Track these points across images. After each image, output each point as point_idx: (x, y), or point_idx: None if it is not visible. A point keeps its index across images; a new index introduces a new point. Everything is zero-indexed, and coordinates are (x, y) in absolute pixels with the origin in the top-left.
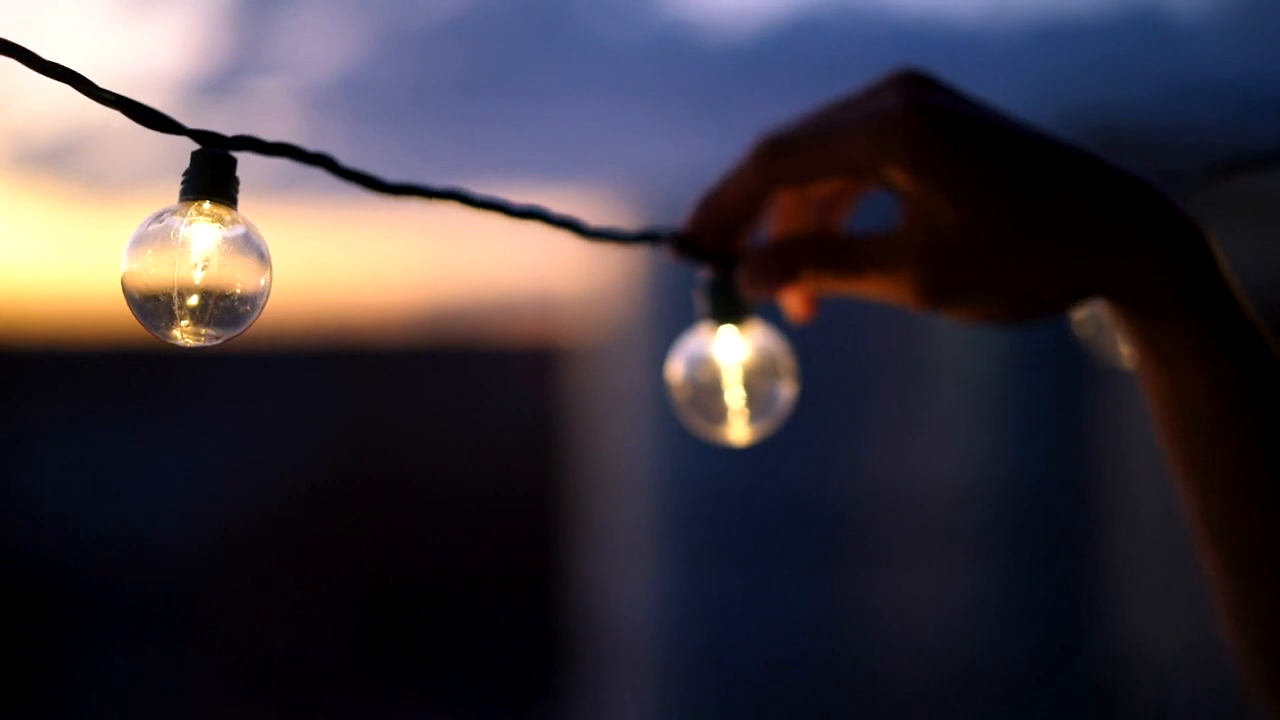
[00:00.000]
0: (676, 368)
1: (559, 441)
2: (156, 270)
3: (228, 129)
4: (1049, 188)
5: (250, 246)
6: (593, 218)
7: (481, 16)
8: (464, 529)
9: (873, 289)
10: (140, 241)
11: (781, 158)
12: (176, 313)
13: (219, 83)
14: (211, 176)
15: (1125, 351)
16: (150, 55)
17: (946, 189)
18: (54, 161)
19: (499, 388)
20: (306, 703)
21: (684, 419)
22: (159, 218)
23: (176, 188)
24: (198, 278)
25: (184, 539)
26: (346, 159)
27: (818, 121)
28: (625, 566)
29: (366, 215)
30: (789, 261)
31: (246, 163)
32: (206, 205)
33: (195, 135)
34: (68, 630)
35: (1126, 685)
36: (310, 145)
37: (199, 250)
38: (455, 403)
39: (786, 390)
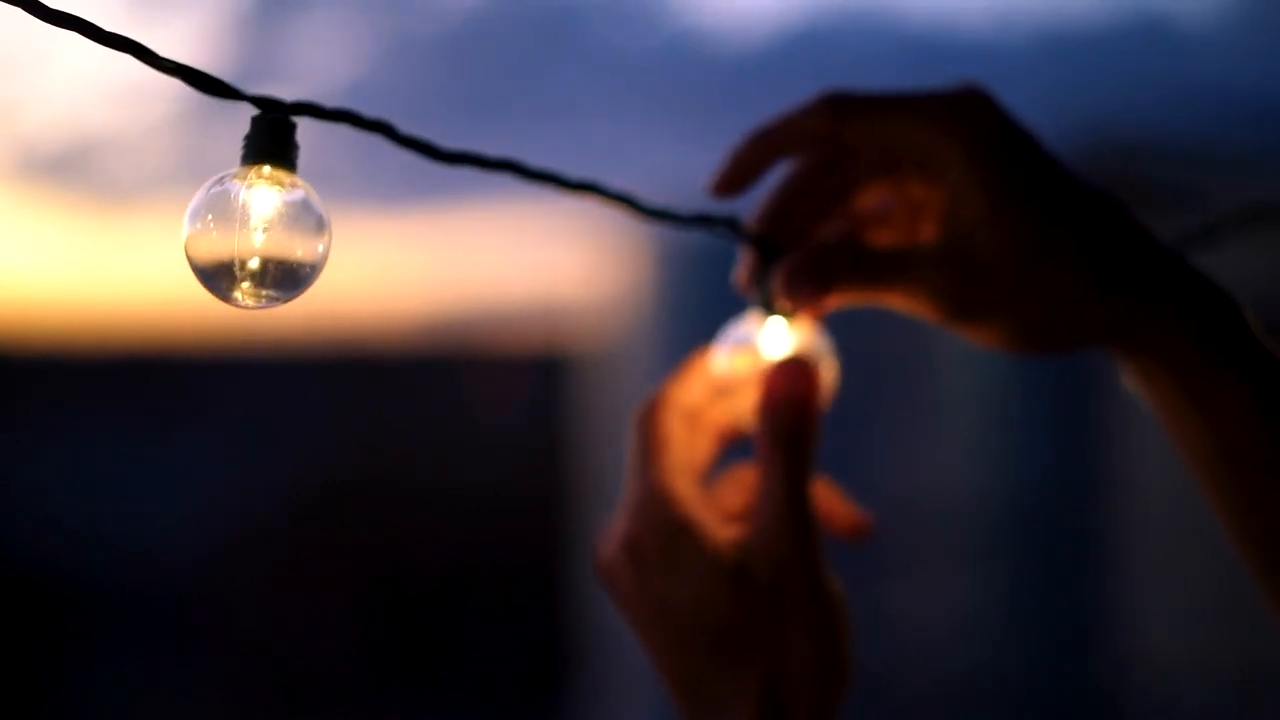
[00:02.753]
0: (721, 353)
1: (564, 449)
2: (217, 234)
3: (235, 135)
4: (1083, 228)
5: (310, 210)
6: (601, 225)
7: (490, 25)
8: (469, 536)
9: (897, 301)
10: (201, 206)
11: (844, 110)
12: (237, 275)
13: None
14: (271, 141)
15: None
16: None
17: (992, 188)
18: (62, 170)
19: (504, 395)
20: (312, 707)
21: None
22: (219, 181)
23: (182, 195)
24: (258, 241)
25: (190, 544)
26: (354, 165)
27: (886, 93)
28: None
29: (370, 223)
30: (824, 273)
31: None
32: (266, 169)
33: (255, 101)
34: (74, 634)
35: (1132, 691)
36: (315, 150)
37: (259, 214)
38: (460, 410)
39: (825, 392)
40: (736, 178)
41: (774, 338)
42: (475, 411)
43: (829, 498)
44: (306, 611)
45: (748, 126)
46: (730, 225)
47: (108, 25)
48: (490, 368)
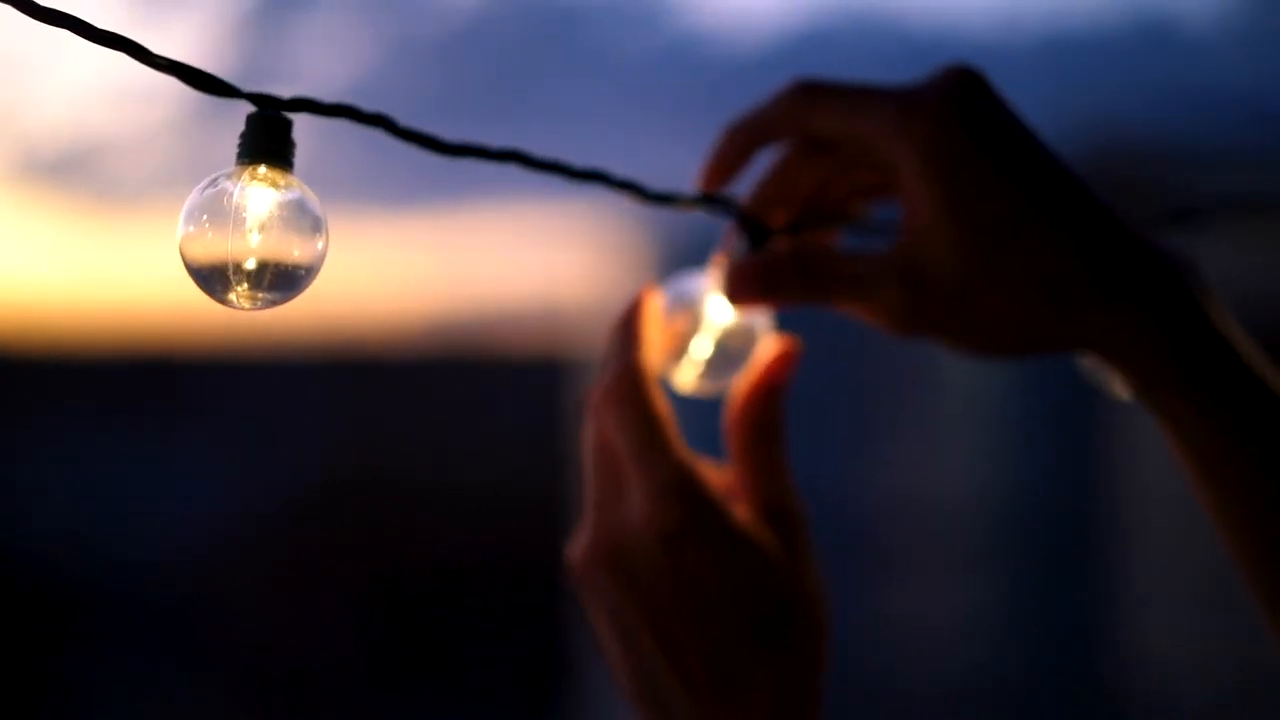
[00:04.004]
0: (662, 296)
1: (566, 452)
2: (212, 235)
3: (236, 137)
4: (1055, 232)
5: (306, 210)
6: (601, 229)
7: (490, 27)
8: (472, 538)
9: (850, 309)
10: (195, 207)
11: (811, 99)
12: (232, 278)
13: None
14: (266, 140)
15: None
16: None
17: (949, 193)
18: (64, 173)
19: (506, 398)
20: (313, 708)
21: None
22: (214, 182)
23: (184, 198)
24: (253, 242)
25: (192, 546)
26: (355, 168)
27: (859, 84)
28: None
29: (373, 226)
30: (768, 282)
31: None
32: (262, 169)
33: (251, 98)
34: (76, 636)
35: (1132, 691)
36: (318, 154)
37: (254, 214)
38: (463, 412)
39: (745, 367)
40: (719, 171)
41: (722, 305)
42: (478, 413)
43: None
44: (308, 613)
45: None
46: (730, 206)
47: (104, 25)
48: (492, 370)
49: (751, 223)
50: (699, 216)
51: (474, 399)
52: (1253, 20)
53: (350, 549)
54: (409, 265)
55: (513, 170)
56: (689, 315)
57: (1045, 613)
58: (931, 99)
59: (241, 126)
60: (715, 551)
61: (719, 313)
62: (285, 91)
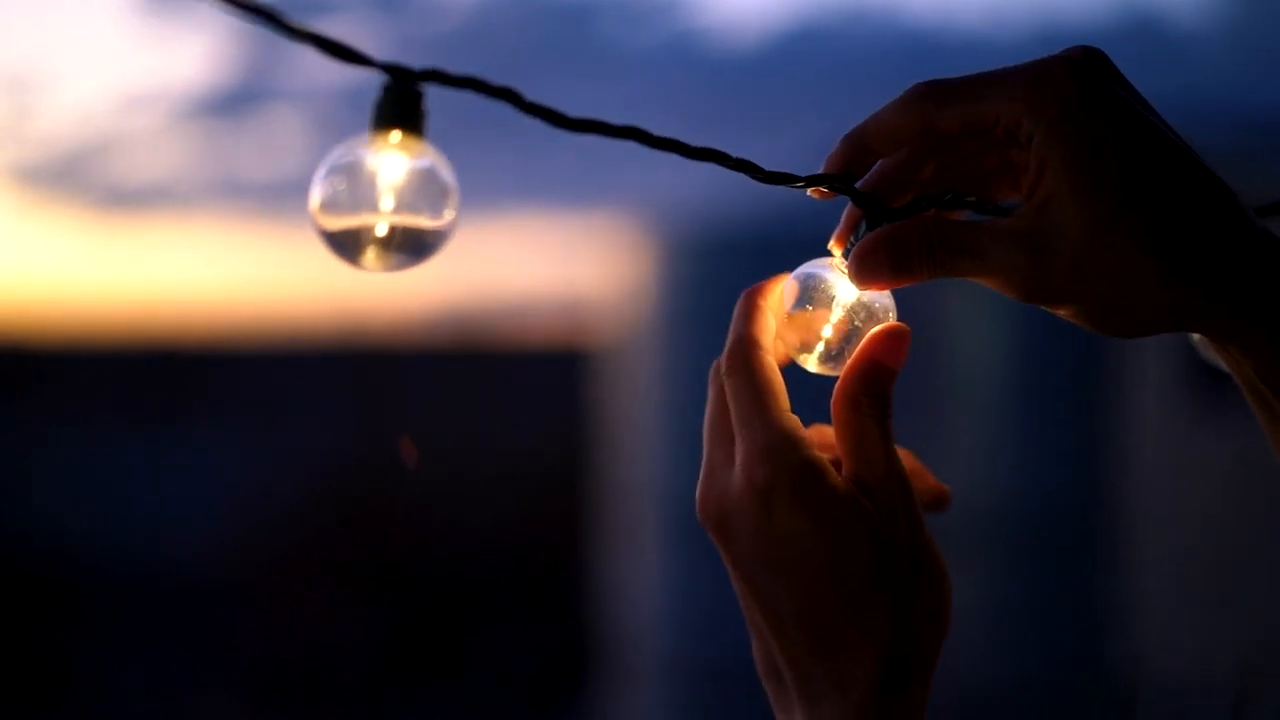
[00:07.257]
0: (796, 291)
1: (582, 444)
2: (345, 200)
3: (242, 143)
4: (1176, 212)
5: (437, 178)
6: (604, 233)
7: (494, 25)
8: (487, 531)
9: (976, 278)
10: (330, 172)
11: (933, 98)
12: (364, 241)
13: (234, 99)
14: (399, 109)
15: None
16: (171, 74)
17: (1077, 160)
18: (75, 173)
19: (522, 390)
20: (330, 696)
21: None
22: (349, 148)
23: (191, 198)
24: (386, 207)
25: (207, 539)
26: None
27: (975, 74)
28: (647, 570)
29: None
30: (900, 251)
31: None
32: (395, 137)
33: (384, 68)
34: (95, 624)
35: (1134, 691)
36: (319, 157)
37: (387, 180)
38: (478, 404)
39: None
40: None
41: (848, 288)
42: (493, 405)
43: (920, 468)
44: (324, 601)
45: (750, 122)
46: (846, 183)
47: (126, 36)
48: (508, 362)
49: (870, 201)
50: (702, 223)
51: (490, 391)
52: (1240, 17)
53: (364, 540)
54: (434, 266)
55: (519, 186)
56: (817, 299)
57: (1047, 614)
58: (1060, 72)
59: (243, 133)
60: (808, 510)
61: (845, 295)
62: (295, 103)
